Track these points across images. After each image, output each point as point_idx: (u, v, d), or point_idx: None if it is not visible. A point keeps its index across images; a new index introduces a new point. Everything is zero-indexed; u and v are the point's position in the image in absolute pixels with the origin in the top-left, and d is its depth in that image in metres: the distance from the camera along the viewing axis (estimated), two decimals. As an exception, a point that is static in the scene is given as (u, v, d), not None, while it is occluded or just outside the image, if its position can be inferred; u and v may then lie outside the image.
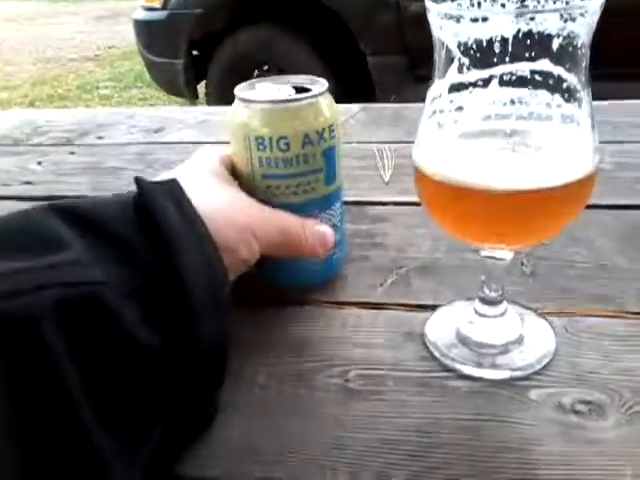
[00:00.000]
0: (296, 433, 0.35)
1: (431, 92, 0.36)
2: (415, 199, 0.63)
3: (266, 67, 2.83)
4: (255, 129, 0.40)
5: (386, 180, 0.66)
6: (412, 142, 0.76)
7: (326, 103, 0.42)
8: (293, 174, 0.41)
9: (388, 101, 2.50)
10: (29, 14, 7.28)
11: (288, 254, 0.42)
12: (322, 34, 2.67)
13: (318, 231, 0.43)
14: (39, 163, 0.80)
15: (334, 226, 0.44)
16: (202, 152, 0.44)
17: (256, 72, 2.85)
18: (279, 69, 2.77)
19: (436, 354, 0.41)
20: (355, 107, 0.88)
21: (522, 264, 0.50)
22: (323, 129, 0.40)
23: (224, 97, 2.88)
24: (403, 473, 0.33)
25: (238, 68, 2.79)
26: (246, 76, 2.90)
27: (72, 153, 0.83)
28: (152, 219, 0.32)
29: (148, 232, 0.32)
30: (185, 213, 0.33)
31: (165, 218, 0.32)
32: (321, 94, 0.42)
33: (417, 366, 0.40)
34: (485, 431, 0.36)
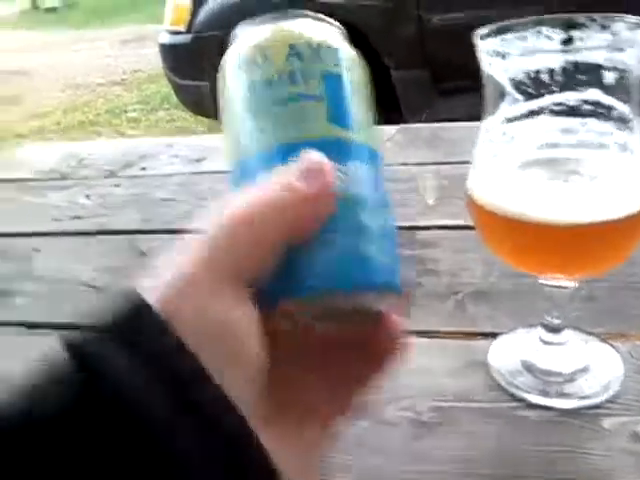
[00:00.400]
0: (368, 468, 0.36)
1: (484, 124, 0.37)
2: (462, 222, 0.64)
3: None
4: (229, 55, 0.30)
5: (430, 203, 0.67)
6: (452, 163, 0.77)
7: (329, 27, 0.30)
8: (275, 99, 0.27)
9: (414, 116, 2.50)
10: (56, 42, 7.46)
11: (296, 235, 0.24)
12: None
13: (302, 168, 0.25)
14: (87, 197, 0.82)
15: (352, 196, 0.26)
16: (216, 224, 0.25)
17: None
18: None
19: (502, 383, 0.41)
20: (391, 129, 0.88)
21: (579, 289, 0.50)
22: (319, 44, 0.28)
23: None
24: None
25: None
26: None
27: (117, 185, 0.85)
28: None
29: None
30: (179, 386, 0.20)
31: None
32: (321, 20, 0.30)
33: (484, 396, 0.41)
34: (558, 462, 0.36)
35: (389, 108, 2.61)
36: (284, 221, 0.24)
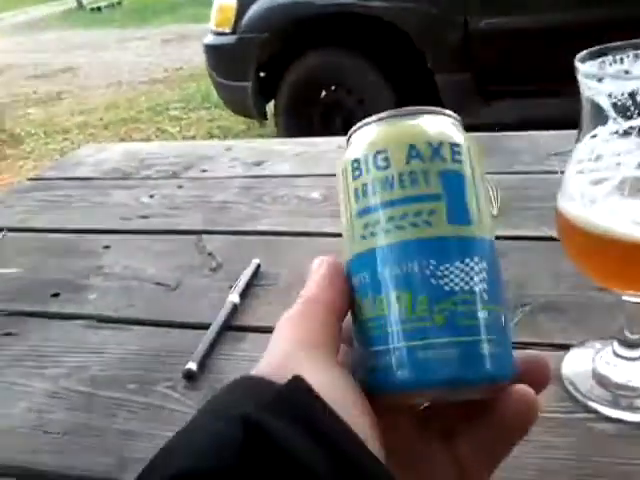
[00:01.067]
0: None
1: (580, 144, 0.38)
2: (528, 233, 0.65)
3: (333, 87, 2.88)
4: (349, 155, 0.30)
5: (494, 213, 0.67)
6: (512, 173, 0.77)
7: (444, 120, 0.30)
8: (395, 200, 0.28)
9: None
10: (100, 41, 7.62)
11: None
12: (389, 54, 2.70)
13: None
14: (151, 196, 0.85)
15: (468, 293, 0.27)
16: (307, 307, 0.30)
17: (323, 93, 2.91)
18: (347, 90, 2.81)
19: (576, 395, 0.42)
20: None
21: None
22: (440, 143, 0.28)
23: (293, 117, 2.94)
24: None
25: (306, 89, 2.85)
26: (314, 96, 2.94)
27: (180, 187, 0.87)
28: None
29: None
30: (338, 453, 0.23)
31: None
32: (439, 113, 0.31)
33: (558, 407, 0.41)
34: (634, 475, 0.36)
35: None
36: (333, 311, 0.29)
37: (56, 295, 0.65)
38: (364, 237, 0.29)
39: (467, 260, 0.27)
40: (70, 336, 0.58)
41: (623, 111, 0.35)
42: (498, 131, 0.90)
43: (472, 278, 0.27)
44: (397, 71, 2.71)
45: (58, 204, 0.87)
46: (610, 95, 0.35)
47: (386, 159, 0.28)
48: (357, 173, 0.29)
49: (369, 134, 0.30)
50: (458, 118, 0.30)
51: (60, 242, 0.76)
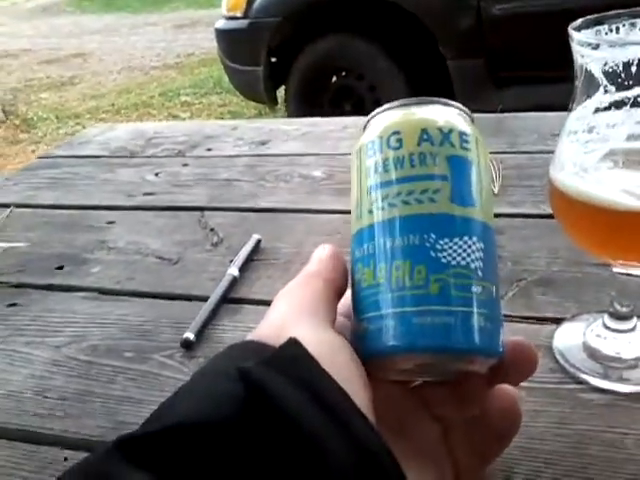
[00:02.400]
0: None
1: (573, 114, 0.38)
2: (526, 211, 0.65)
3: (344, 73, 2.87)
4: (365, 138, 0.33)
5: (495, 192, 0.67)
6: (515, 153, 0.77)
7: (456, 112, 0.33)
8: (405, 177, 0.30)
9: (468, 106, 2.48)
10: (113, 26, 7.62)
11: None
12: (401, 40, 2.68)
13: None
14: (156, 174, 0.86)
15: (464, 268, 0.29)
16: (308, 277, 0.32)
17: (334, 78, 2.90)
18: (358, 76, 2.80)
19: (566, 366, 0.42)
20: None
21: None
22: (450, 130, 0.31)
23: (303, 102, 2.94)
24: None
25: (317, 74, 2.85)
26: (325, 82, 2.93)
27: (185, 165, 0.88)
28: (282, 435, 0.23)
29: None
30: (327, 405, 0.24)
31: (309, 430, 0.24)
32: (451, 105, 0.33)
33: (548, 377, 0.42)
34: (623, 443, 0.37)
35: (442, 96, 2.59)
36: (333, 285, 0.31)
37: (60, 268, 0.66)
38: (371, 211, 0.31)
39: (465, 238, 0.29)
40: (72, 307, 0.59)
41: (616, 81, 0.35)
42: (501, 112, 0.90)
43: (469, 255, 0.29)
44: (409, 57, 2.69)
45: (65, 181, 0.88)
46: (604, 64, 0.35)
47: (399, 140, 0.31)
48: (371, 152, 0.32)
49: (386, 118, 0.32)
50: (469, 111, 0.33)
51: (65, 218, 0.77)
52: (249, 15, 2.86)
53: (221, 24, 3.01)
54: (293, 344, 0.26)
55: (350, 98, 2.83)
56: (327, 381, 0.25)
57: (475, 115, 0.33)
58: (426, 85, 2.68)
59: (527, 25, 2.32)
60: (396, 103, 0.33)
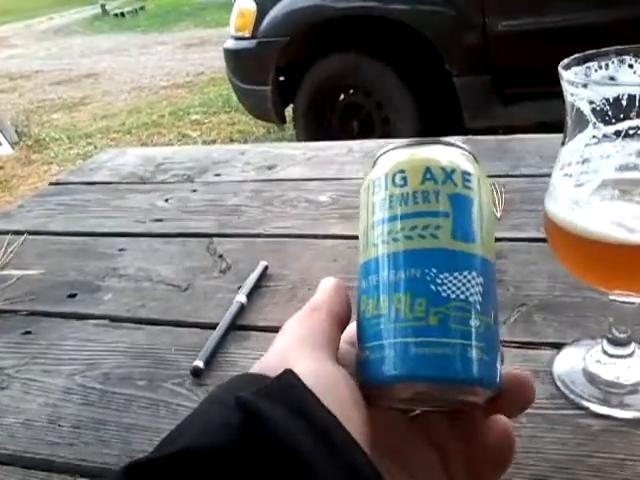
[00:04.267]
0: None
1: (564, 148, 0.39)
2: (529, 235, 0.66)
3: (352, 91, 2.90)
4: (373, 174, 0.34)
5: (498, 216, 0.69)
6: (518, 176, 0.78)
7: (459, 152, 0.34)
8: (408, 213, 0.32)
9: (475, 123, 2.50)
10: (123, 46, 7.74)
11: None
12: (407, 57, 2.71)
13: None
14: (166, 200, 0.88)
15: (463, 302, 0.30)
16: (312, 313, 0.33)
17: (342, 96, 2.93)
18: (365, 92, 2.82)
19: (566, 392, 0.43)
20: (457, 140, 0.90)
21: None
22: (453, 170, 0.32)
23: (311, 120, 2.96)
24: (544, 507, 0.36)
25: (325, 92, 2.88)
26: (333, 100, 2.96)
27: (194, 191, 0.90)
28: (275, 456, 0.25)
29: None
30: (319, 431, 0.26)
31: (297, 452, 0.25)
32: (456, 145, 0.34)
33: (548, 403, 0.43)
34: (621, 470, 0.38)
35: (450, 114, 2.61)
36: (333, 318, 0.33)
37: (73, 296, 0.68)
38: (376, 245, 0.32)
39: (465, 273, 0.30)
40: (84, 335, 0.60)
41: (604, 118, 0.36)
42: (503, 134, 0.91)
43: (468, 289, 0.30)
44: (415, 74, 2.72)
45: (76, 208, 0.90)
46: (592, 102, 0.36)
47: (404, 178, 0.32)
48: (377, 189, 0.33)
49: (392, 157, 0.34)
50: (473, 152, 0.34)
51: (77, 244, 0.79)
52: (257, 35, 2.90)
53: (230, 44, 3.05)
54: (289, 375, 0.28)
55: (358, 115, 2.85)
56: (320, 409, 0.27)
57: (477, 137, 0.35)
58: (433, 102, 2.70)
59: (532, 41, 2.34)
60: (403, 142, 0.34)
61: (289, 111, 3.12)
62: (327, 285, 0.35)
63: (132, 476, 0.24)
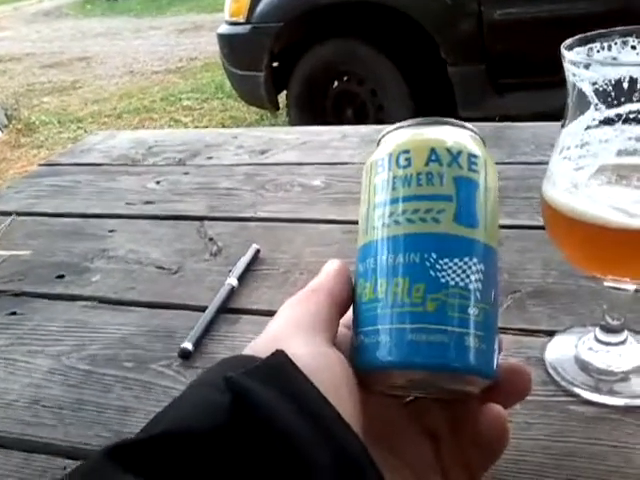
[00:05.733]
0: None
1: (565, 130, 0.38)
2: (523, 222, 0.65)
3: (346, 78, 2.88)
4: (376, 155, 0.33)
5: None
6: (514, 163, 0.78)
7: (467, 134, 0.33)
8: (411, 196, 0.31)
9: (469, 112, 2.49)
10: (115, 30, 7.65)
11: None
12: (402, 45, 2.70)
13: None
14: (158, 183, 0.87)
15: (462, 289, 0.29)
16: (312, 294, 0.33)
17: (336, 83, 2.91)
18: (359, 80, 2.81)
19: (557, 378, 0.43)
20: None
21: (637, 291, 0.51)
22: (459, 152, 0.31)
23: (305, 107, 2.95)
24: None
25: (319, 79, 2.86)
26: (326, 87, 2.94)
27: (186, 173, 0.89)
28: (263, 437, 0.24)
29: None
30: (309, 411, 0.25)
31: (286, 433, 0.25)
32: (463, 126, 0.33)
33: (539, 390, 0.42)
34: (608, 456, 0.37)
35: (443, 102, 2.61)
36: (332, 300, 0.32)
37: (61, 277, 0.67)
38: (376, 227, 0.31)
39: (466, 259, 0.29)
40: (72, 316, 0.60)
41: (606, 99, 0.36)
42: (499, 121, 0.90)
43: (468, 276, 0.29)
44: (410, 62, 2.70)
45: (66, 189, 0.89)
46: (595, 82, 0.36)
47: (408, 159, 0.31)
48: (380, 170, 0.32)
49: (397, 137, 0.33)
50: (480, 134, 0.33)
51: (67, 226, 0.77)
52: (251, 20, 2.88)
53: (223, 29, 3.02)
54: (280, 355, 0.27)
55: (351, 103, 2.84)
56: (310, 390, 0.26)
57: (473, 124, 0.33)
58: (427, 90, 2.69)
59: (528, 31, 2.33)
60: (409, 122, 0.33)
61: (283, 98, 3.10)
62: (329, 267, 0.34)
63: (115, 458, 0.24)
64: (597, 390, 0.42)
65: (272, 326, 0.31)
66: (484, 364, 0.29)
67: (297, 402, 0.25)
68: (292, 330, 0.30)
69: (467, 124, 0.33)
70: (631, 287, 0.40)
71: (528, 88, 2.41)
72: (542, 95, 2.32)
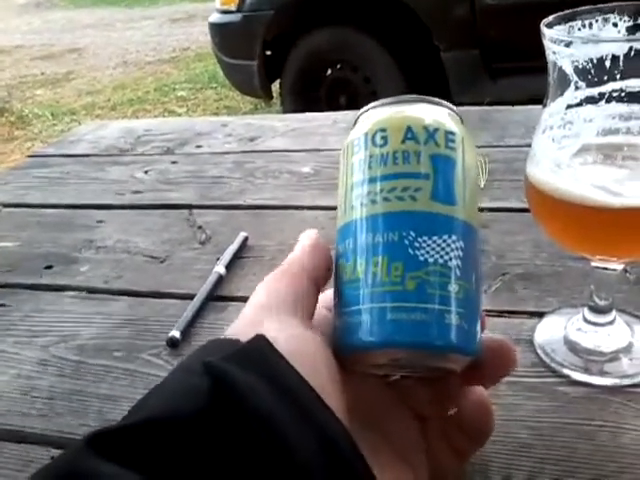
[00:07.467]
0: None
1: (546, 110, 0.38)
2: (511, 205, 0.65)
3: (339, 66, 2.87)
4: (353, 134, 0.33)
5: (482, 186, 0.68)
6: (502, 146, 0.77)
7: (444, 110, 0.33)
8: (388, 174, 0.30)
9: (462, 97, 2.48)
10: (107, 20, 7.59)
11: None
12: (395, 31, 2.68)
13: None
14: (146, 172, 0.86)
15: (441, 266, 0.29)
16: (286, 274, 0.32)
17: (329, 71, 2.89)
18: (352, 67, 2.79)
19: (546, 360, 0.43)
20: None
21: (626, 272, 0.51)
22: (436, 129, 0.31)
23: (298, 96, 2.93)
24: (521, 474, 0.35)
25: (312, 67, 2.84)
26: (320, 75, 2.92)
27: (174, 162, 0.88)
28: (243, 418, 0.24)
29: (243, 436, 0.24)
30: (289, 395, 0.25)
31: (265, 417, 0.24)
32: (439, 103, 0.33)
33: (528, 371, 0.42)
34: (599, 436, 0.37)
35: (437, 88, 2.59)
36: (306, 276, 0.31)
37: (49, 267, 0.66)
38: (354, 207, 0.31)
39: (445, 237, 0.29)
40: (61, 307, 0.59)
41: (586, 77, 0.35)
42: (489, 104, 0.90)
43: (447, 253, 0.29)
44: (403, 48, 2.69)
45: (55, 180, 0.88)
46: (576, 60, 0.35)
47: (384, 138, 0.31)
48: (357, 149, 0.32)
49: (374, 115, 0.32)
50: (457, 111, 0.33)
51: (55, 217, 0.77)
52: (243, 8, 2.85)
53: (215, 18, 3.00)
54: (259, 339, 0.27)
55: (345, 91, 2.82)
56: (288, 371, 0.26)
57: (462, 108, 0.33)
58: (421, 76, 2.67)
59: (521, 16, 2.31)
60: (385, 101, 0.33)
61: (276, 87, 3.09)
62: (306, 242, 0.33)
63: (95, 446, 0.23)
64: (586, 371, 0.42)
65: (249, 307, 0.31)
66: (465, 341, 0.28)
67: (275, 384, 0.25)
68: (269, 311, 0.30)
69: (444, 102, 0.33)
70: (618, 267, 0.40)
71: (522, 72, 2.40)
72: (536, 79, 2.30)
